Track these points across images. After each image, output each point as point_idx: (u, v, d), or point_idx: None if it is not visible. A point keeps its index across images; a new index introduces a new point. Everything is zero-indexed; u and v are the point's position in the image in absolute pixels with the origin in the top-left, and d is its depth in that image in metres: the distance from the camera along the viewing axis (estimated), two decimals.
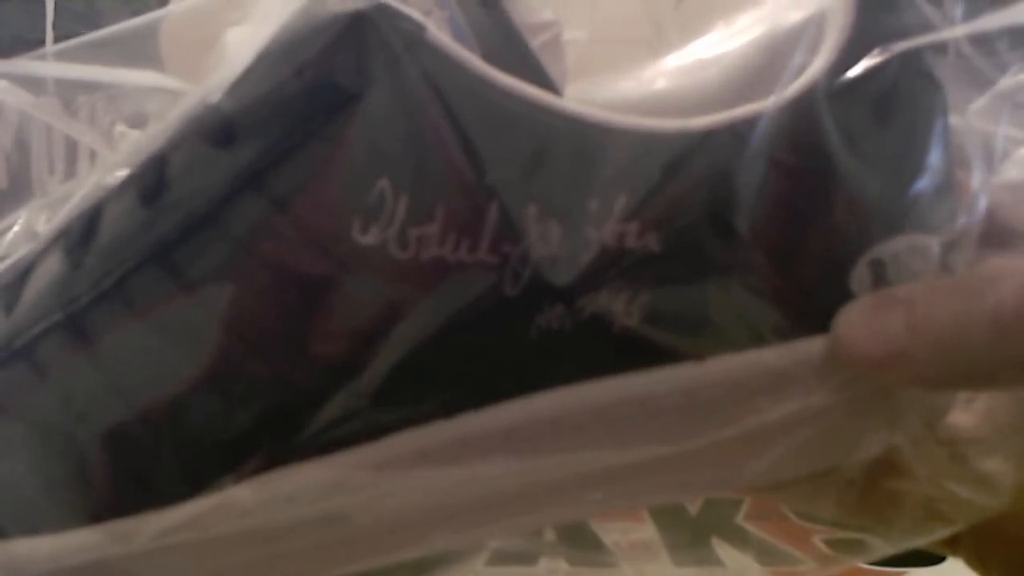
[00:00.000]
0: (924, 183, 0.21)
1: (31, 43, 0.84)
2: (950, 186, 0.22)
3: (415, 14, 0.19)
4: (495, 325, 0.20)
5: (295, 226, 0.19)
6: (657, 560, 0.42)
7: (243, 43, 0.22)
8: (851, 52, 0.21)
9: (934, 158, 0.22)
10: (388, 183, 0.19)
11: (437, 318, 0.20)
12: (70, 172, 0.30)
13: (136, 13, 0.82)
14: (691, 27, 0.59)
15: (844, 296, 0.21)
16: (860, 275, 0.22)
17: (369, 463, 0.20)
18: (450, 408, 0.21)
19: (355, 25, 0.19)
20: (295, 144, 0.19)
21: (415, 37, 0.19)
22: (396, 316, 0.20)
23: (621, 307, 0.21)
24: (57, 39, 0.85)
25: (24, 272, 0.21)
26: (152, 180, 0.20)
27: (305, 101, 0.19)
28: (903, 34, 0.21)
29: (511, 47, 0.21)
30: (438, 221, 0.20)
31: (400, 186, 0.19)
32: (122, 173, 0.21)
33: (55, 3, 0.81)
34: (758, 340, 0.21)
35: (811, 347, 0.22)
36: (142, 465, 0.19)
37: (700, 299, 0.21)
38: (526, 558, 0.43)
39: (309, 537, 0.20)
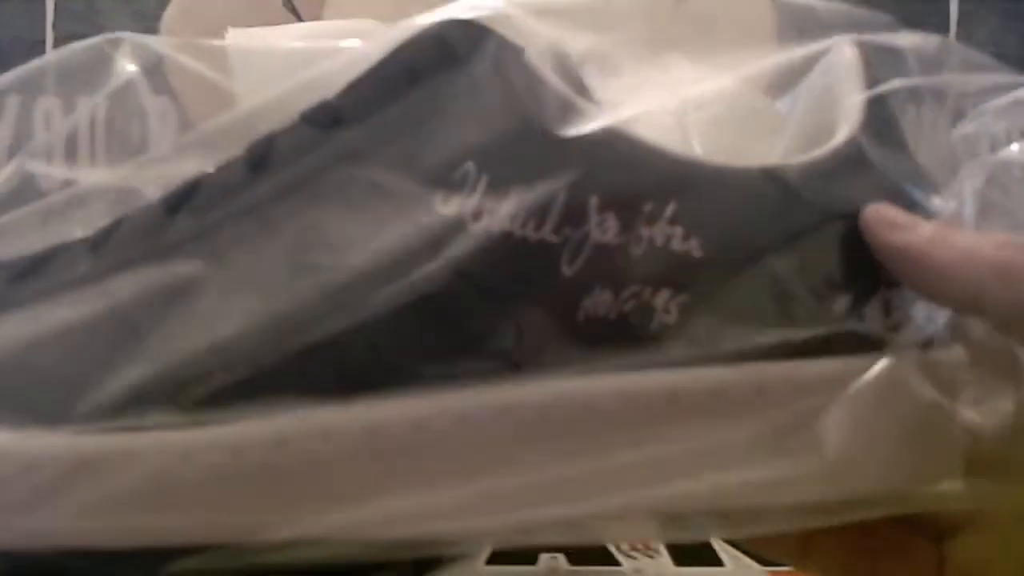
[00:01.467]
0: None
1: (31, 43, 0.84)
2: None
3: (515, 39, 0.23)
4: (549, 300, 0.22)
5: (384, 196, 0.22)
6: (658, 558, 0.42)
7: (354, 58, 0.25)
8: (870, 112, 0.25)
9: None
10: (473, 165, 0.22)
11: (501, 287, 0.22)
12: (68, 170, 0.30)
13: (136, 14, 0.82)
14: (690, 26, 0.59)
15: (859, 323, 0.24)
16: (874, 309, 0.24)
17: (407, 420, 0.22)
18: (491, 377, 0.22)
19: (466, 31, 0.23)
20: (393, 131, 0.23)
21: (517, 52, 0.23)
22: (464, 282, 0.22)
23: (662, 303, 0.22)
24: (57, 39, 0.85)
25: (117, 222, 0.24)
26: (261, 153, 0.24)
27: (406, 96, 0.23)
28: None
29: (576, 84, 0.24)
30: (511, 200, 0.22)
31: (483, 168, 0.22)
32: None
33: (55, 3, 0.81)
34: (783, 353, 0.23)
35: (833, 366, 0.24)
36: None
37: (733, 307, 0.23)
38: (526, 556, 0.43)
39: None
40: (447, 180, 0.22)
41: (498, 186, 0.22)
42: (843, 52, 0.27)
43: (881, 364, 0.24)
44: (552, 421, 0.22)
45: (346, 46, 0.28)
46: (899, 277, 0.24)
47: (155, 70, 0.30)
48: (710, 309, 0.23)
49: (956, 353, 0.26)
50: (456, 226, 0.22)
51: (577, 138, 0.23)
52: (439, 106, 0.23)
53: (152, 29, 0.72)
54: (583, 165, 0.23)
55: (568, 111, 0.23)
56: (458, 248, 0.22)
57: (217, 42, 0.30)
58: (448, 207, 0.22)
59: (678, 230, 0.23)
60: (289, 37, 0.46)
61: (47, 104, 0.87)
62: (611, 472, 0.23)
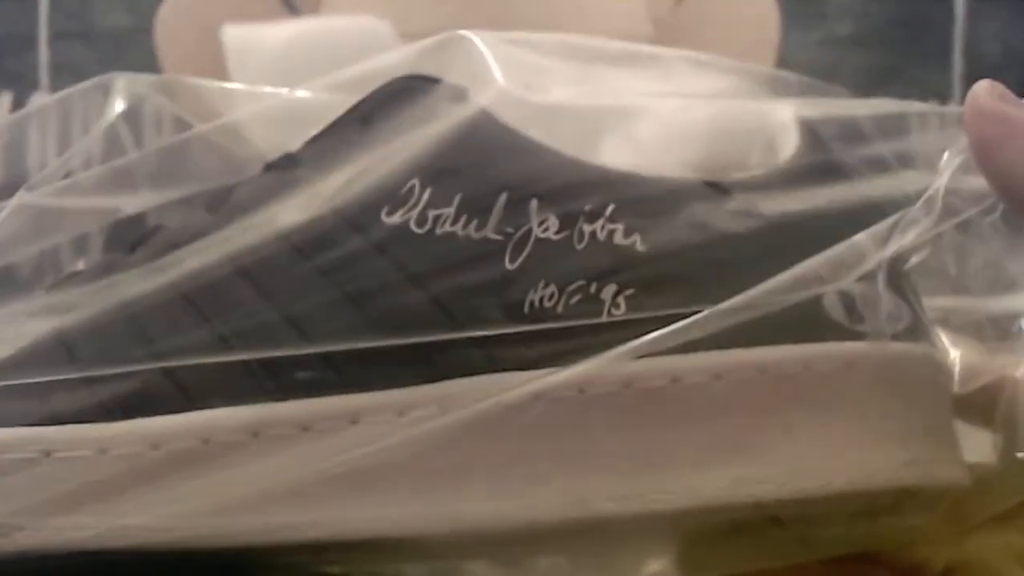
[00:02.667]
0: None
1: (24, 39, 0.83)
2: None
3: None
4: (494, 296, 0.23)
5: (333, 214, 0.24)
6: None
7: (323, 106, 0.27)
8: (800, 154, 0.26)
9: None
10: (418, 181, 0.24)
11: (446, 285, 0.23)
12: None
13: (131, 10, 0.82)
14: (690, 26, 0.59)
15: (817, 315, 0.24)
16: (832, 301, 0.24)
17: (346, 415, 0.23)
18: (437, 376, 0.23)
19: (416, 82, 0.26)
20: (343, 163, 0.25)
21: (461, 92, 0.25)
22: (409, 282, 0.23)
23: (609, 297, 0.23)
24: (51, 36, 0.84)
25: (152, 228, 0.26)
26: (221, 199, 0.26)
27: (357, 137, 0.25)
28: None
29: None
30: (454, 206, 0.23)
31: (427, 183, 0.24)
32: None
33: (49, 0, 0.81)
34: (733, 341, 0.23)
35: (796, 351, 0.24)
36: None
37: (684, 299, 0.23)
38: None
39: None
40: (392, 197, 0.24)
41: (441, 196, 0.24)
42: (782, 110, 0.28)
43: (849, 350, 0.24)
44: (503, 415, 0.23)
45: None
46: (979, 151, 0.22)
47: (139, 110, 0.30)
48: (660, 302, 0.23)
49: (922, 349, 0.26)
50: (400, 231, 0.23)
51: (517, 156, 0.24)
52: (385, 140, 0.25)
53: (147, 25, 0.71)
54: (522, 178, 0.24)
55: (510, 137, 0.24)
56: (402, 250, 0.23)
57: (208, 84, 0.31)
58: (393, 218, 0.23)
59: (619, 225, 0.23)
60: (285, 33, 0.46)
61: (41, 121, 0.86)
62: (561, 468, 0.23)
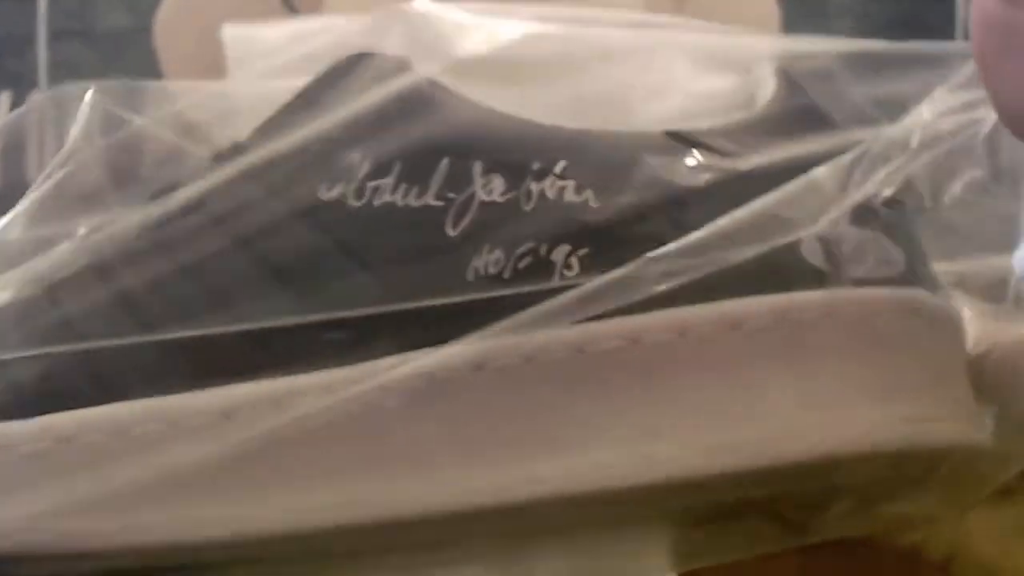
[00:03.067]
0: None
1: (23, 39, 0.83)
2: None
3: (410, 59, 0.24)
4: (436, 265, 0.22)
5: (271, 194, 0.23)
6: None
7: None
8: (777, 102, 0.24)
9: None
10: (358, 154, 0.23)
11: (384, 257, 0.22)
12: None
13: (130, 10, 0.81)
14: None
15: (794, 261, 0.22)
16: (811, 246, 0.22)
17: (265, 401, 0.22)
18: (378, 350, 0.22)
19: (356, 59, 0.24)
20: (286, 138, 0.23)
21: (403, 63, 0.24)
22: (347, 258, 0.22)
23: (561, 258, 0.22)
24: (50, 35, 0.84)
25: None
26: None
27: (299, 118, 0.24)
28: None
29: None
30: (393, 175, 0.22)
31: (367, 154, 0.23)
32: None
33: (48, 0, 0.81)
34: (699, 296, 0.22)
35: (769, 301, 0.22)
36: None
37: (642, 254, 0.22)
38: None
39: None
40: (331, 172, 0.23)
41: (381, 167, 0.22)
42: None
43: (829, 297, 0.23)
44: (445, 386, 0.22)
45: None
46: (983, 63, 0.21)
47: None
48: (617, 259, 0.22)
49: (917, 294, 0.24)
50: (337, 206, 0.22)
51: (461, 122, 0.23)
52: (328, 119, 0.24)
53: (147, 25, 0.71)
54: (465, 140, 0.23)
55: (453, 101, 0.23)
56: (339, 226, 0.22)
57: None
58: (331, 193, 0.22)
59: (570, 182, 0.22)
60: (286, 33, 0.45)
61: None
62: (507, 445, 0.22)
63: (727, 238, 0.22)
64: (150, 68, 0.72)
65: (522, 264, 0.21)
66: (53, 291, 0.23)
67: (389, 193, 0.22)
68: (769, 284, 0.22)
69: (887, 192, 0.23)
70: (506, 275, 0.21)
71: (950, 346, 0.24)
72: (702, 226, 0.22)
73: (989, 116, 0.23)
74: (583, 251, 0.21)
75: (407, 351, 0.21)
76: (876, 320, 0.22)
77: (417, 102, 0.23)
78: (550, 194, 0.22)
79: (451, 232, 0.22)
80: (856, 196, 0.22)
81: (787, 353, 0.22)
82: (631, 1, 0.59)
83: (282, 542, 0.22)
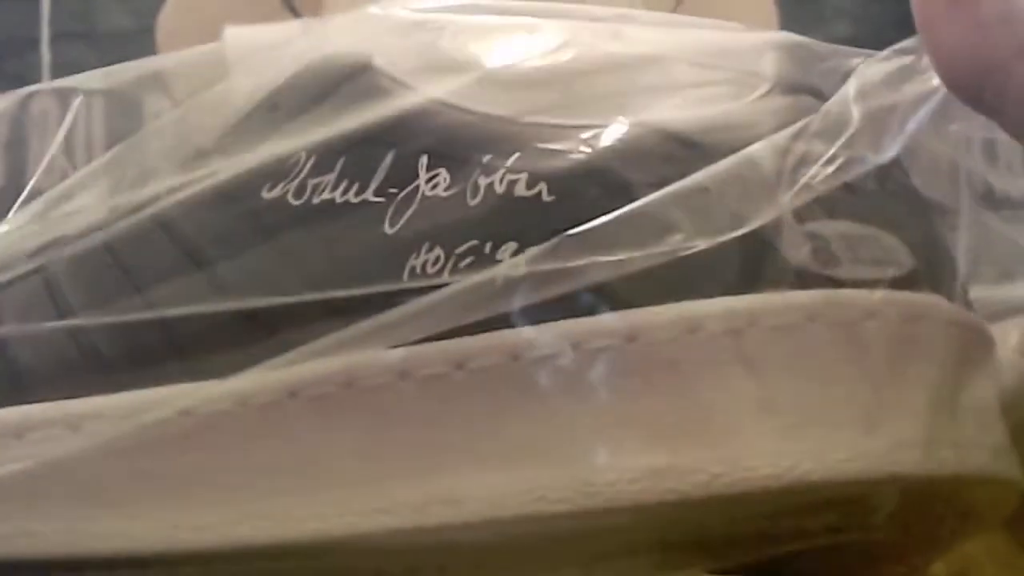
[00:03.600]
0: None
1: (26, 40, 0.83)
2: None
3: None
4: (368, 264, 0.20)
5: (216, 191, 0.22)
6: None
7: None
8: (780, 86, 0.22)
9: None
10: (304, 154, 0.21)
11: (318, 256, 0.21)
12: (64, 172, 0.29)
13: (132, 11, 0.81)
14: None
15: (771, 257, 0.20)
16: (793, 240, 0.20)
17: (176, 408, 0.21)
18: (299, 352, 0.20)
19: (322, 63, 0.24)
20: (241, 147, 0.23)
21: (363, 62, 0.23)
22: (279, 256, 0.21)
23: (507, 257, 0.20)
24: (52, 36, 0.84)
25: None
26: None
27: (262, 123, 0.23)
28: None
29: None
30: (336, 171, 0.21)
31: (311, 153, 0.22)
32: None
33: (50, 0, 0.81)
34: (657, 298, 0.19)
35: (734, 304, 0.20)
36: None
37: (596, 249, 0.20)
38: None
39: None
40: (276, 172, 0.22)
41: (323, 163, 0.21)
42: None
43: (810, 299, 0.20)
44: (360, 395, 0.20)
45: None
46: (924, 21, 0.20)
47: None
48: (567, 257, 0.20)
49: (923, 299, 0.21)
50: (277, 204, 0.21)
51: (411, 113, 0.22)
52: (284, 123, 0.23)
53: (148, 26, 0.71)
54: (411, 131, 0.21)
55: (405, 93, 0.22)
56: (276, 224, 0.21)
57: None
58: (272, 192, 0.21)
59: (522, 176, 0.20)
60: (287, 35, 0.46)
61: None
62: (428, 457, 0.20)
63: (662, 223, 0.19)
64: None
65: (463, 263, 0.20)
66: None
67: (329, 190, 0.21)
68: (739, 283, 0.20)
69: (835, 172, 0.21)
70: (445, 275, 0.20)
71: (971, 362, 0.21)
72: (681, 207, 0.19)
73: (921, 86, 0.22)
74: (532, 250, 0.19)
75: (327, 355, 0.20)
76: (866, 326, 0.20)
77: (366, 95, 0.22)
78: (499, 188, 0.20)
79: (388, 229, 0.20)
80: (802, 179, 0.20)
81: (754, 362, 0.19)
82: (631, 1, 0.59)
83: (176, 559, 0.20)
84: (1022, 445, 0.22)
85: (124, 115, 0.31)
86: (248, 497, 0.20)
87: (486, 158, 0.20)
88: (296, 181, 0.21)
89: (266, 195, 0.21)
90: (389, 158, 0.21)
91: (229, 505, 0.20)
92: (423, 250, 0.20)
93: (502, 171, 0.20)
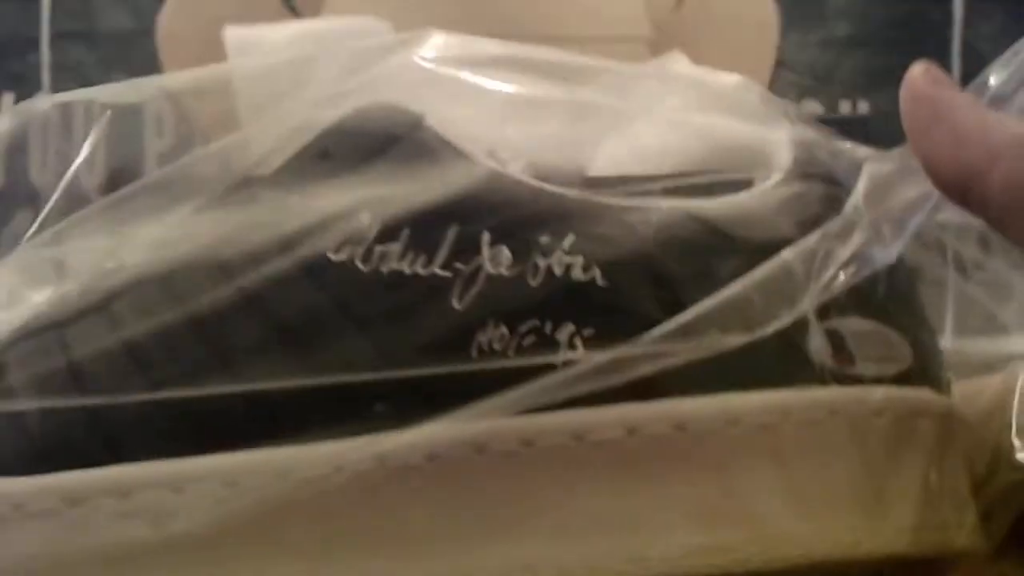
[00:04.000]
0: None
1: (26, 40, 0.83)
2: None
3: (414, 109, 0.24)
4: (440, 337, 0.22)
5: (281, 244, 0.23)
6: None
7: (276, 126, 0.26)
8: (795, 172, 0.25)
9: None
10: (368, 215, 0.22)
11: (388, 327, 0.22)
12: (64, 173, 0.29)
13: (132, 11, 0.82)
14: (690, 28, 0.59)
15: (797, 355, 0.22)
16: (817, 342, 0.22)
17: (271, 470, 0.21)
18: (375, 423, 0.22)
19: (370, 112, 0.25)
20: (300, 195, 0.24)
21: (416, 119, 0.24)
22: (350, 323, 0.22)
23: (565, 338, 0.21)
24: (52, 36, 0.84)
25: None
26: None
27: (314, 169, 0.24)
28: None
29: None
30: (402, 241, 0.22)
31: (377, 217, 0.23)
32: None
33: (51, 0, 0.81)
34: (701, 387, 0.22)
35: (767, 398, 0.22)
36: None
37: (645, 340, 0.22)
38: None
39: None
40: (340, 232, 0.23)
41: (390, 230, 0.23)
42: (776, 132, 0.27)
43: (834, 396, 0.22)
44: (442, 467, 0.21)
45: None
46: (912, 133, 0.23)
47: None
48: (620, 343, 0.22)
49: (923, 395, 0.24)
50: (346, 269, 0.22)
51: (471, 185, 0.23)
52: (339, 173, 0.24)
53: (149, 27, 0.71)
54: (474, 207, 0.23)
55: (464, 162, 0.23)
56: (347, 290, 0.22)
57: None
58: (340, 254, 0.22)
59: (578, 259, 0.22)
60: (287, 34, 0.46)
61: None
62: (505, 527, 0.21)
63: (713, 322, 0.22)
64: (152, 69, 0.72)
65: (526, 342, 0.22)
66: (62, 332, 0.23)
67: (396, 260, 0.22)
68: (771, 377, 0.22)
69: (852, 272, 0.23)
70: (510, 352, 0.21)
71: (952, 449, 0.24)
72: (711, 306, 0.22)
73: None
74: (588, 331, 0.22)
75: (408, 424, 0.21)
76: (879, 421, 0.22)
77: (422, 157, 0.23)
78: (557, 270, 0.22)
79: (456, 304, 0.22)
80: (824, 280, 0.22)
81: (785, 453, 0.22)
82: (631, 1, 0.59)
83: None
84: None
85: (126, 130, 0.31)
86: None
87: (543, 238, 0.22)
88: (363, 246, 0.22)
89: (334, 256, 0.22)
90: (453, 233, 0.22)
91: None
92: (489, 326, 0.22)
93: (559, 252, 0.22)
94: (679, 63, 0.50)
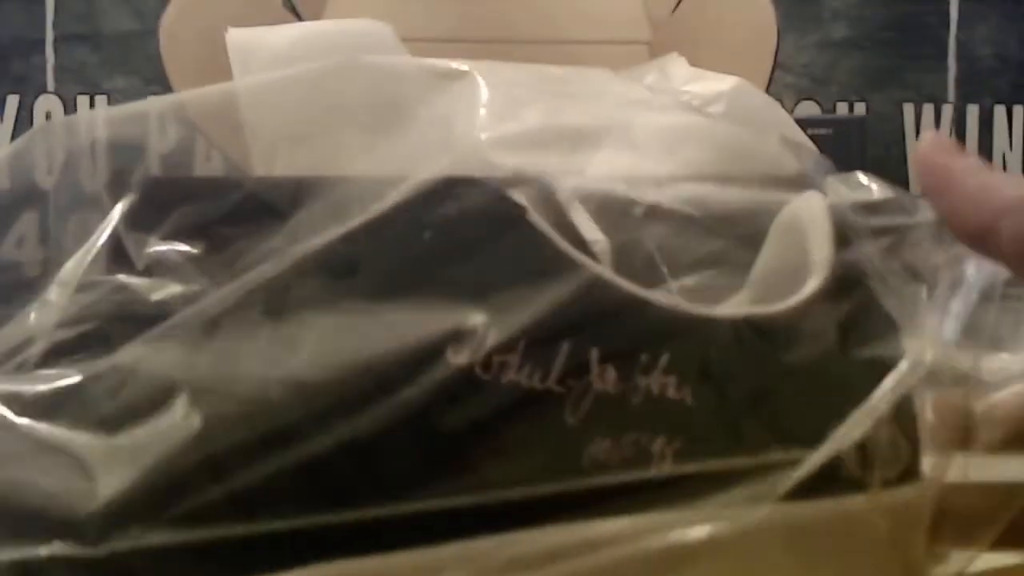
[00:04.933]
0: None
1: (30, 42, 0.84)
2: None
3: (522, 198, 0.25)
4: (556, 450, 0.23)
5: (395, 332, 0.24)
6: None
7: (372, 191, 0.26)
8: (833, 282, 0.26)
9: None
10: (484, 317, 0.23)
11: (508, 437, 0.23)
12: (66, 174, 0.30)
13: (135, 13, 0.82)
14: (688, 30, 0.60)
15: (834, 465, 0.25)
16: (850, 454, 0.24)
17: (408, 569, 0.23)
18: (500, 525, 0.23)
19: (474, 188, 0.25)
20: (410, 281, 0.24)
21: (519, 210, 0.25)
22: (474, 431, 0.23)
23: (658, 449, 0.23)
24: (57, 38, 0.85)
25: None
26: (276, 300, 0.25)
27: (425, 250, 0.25)
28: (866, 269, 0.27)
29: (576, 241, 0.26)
30: (519, 352, 0.23)
31: (494, 322, 0.23)
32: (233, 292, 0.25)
33: (55, 2, 0.81)
34: (775, 498, 0.24)
35: (824, 507, 0.24)
36: None
37: (723, 452, 0.24)
38: None
39: None
40: (458, 331, 0.24)
41: (507, 339, 0.24)
42: (812, 202, 0.28)
43: (855, 504, 0.25)
44: (558, 569, 0.23)
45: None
46: (928, 198, 0.25)
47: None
48: (703, 455, 0.24)
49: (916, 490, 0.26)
50: (466, 376, 0.23)
51: (578, 295, 0.25)
52: (449, 257, 0.25)
53: (152, 29, 0.71)
54: (585, 320, 0.24)
55: (568, 267, 0.25)
56: (467, 397, 0.23)
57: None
58: (459, 357, 0.23)
59: (672, 379, 0.24)
60: (289, 36, 0.46)
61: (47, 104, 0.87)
62: None
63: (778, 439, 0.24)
64: (154, 72, 0.72)
65: (627, 453, 0.23)
66: (212, 460, 0.23)
67: (515, 371, 0.23)
68: (817, 488, 0.24)
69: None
70: (612, 464, 0.23)
71: (919, 539, 0.26)
72: (785, 418, 0.24)
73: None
74: (676, 444, 0.24)
75: (525, 528, 0.23)
76: (884, 524, 0.25)
77: (532, 261, 0.25)
78: (655, 389, 0.24)
79: (570, 419, 0.23)
80: (882, 407, 0.24)
81: (822, 560, 0.24)
82: (630, 2, 0.60)
83: None
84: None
85: (129, 131, 0.31)
86: None
87: (644, 356, 0.24)
88: (482, 353, 0.23)
89: (452, 359, 0.23)
90: (566, 348, 0.23)
91: None
92: (597, 440, 0.23)
93: (657, 373, 0.24)
94: (677, 65, 0.51)
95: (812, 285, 0.26)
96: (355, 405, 0.23)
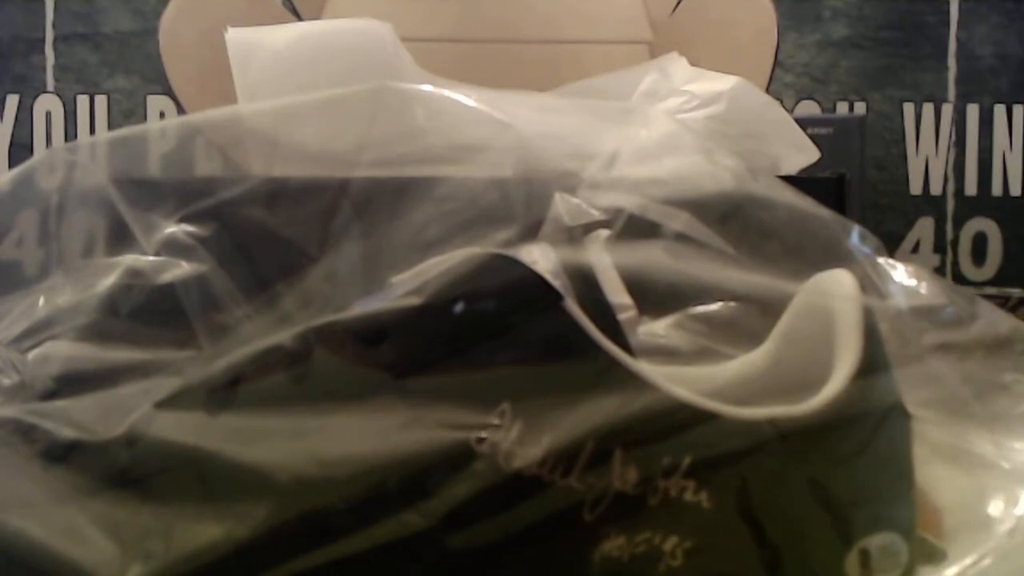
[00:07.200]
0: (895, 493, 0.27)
1: (30, 41, 0.84)
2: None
3: (558, 285, 0.25)
4: (569, 544, 0.24)
5: (418, 412, 0.24)
6: None
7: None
8: (858, 381, 0.26)
9: (905, 482, 0.27)
10: (510, 406, 0.24)
11: (525, 527, 0.24)
12: (68, 175, 0.30)
13: (135, 13, 0.82)
14: (689, 30, 0.59)
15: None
16: (852, 560, 0.25)
17: None
18: None
19: (508, 270, 0.25)
20: (436, 357, 0.25)
21: (556, 298, 0.25)
22: (491, 516, 0.24)
23: (670, 548, 0.24)
24: (57, 38, 0.85)
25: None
26: (299, 360, 0.25)
27: (453, 327, 0.25)
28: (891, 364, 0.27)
29: (607, 320, 0.26)
30: (542, 446, 0.24)
31: (519, 412, 0.24)
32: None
33: (54, 2, 0.81)
34: None
35: None
36: None
37: (734, 556, 0.25)
38: None
39: None
40: (484, 419, 0.24)
41: (532, 431, 0.24)
42: (841, 279, 0.28)
43: None
44: None
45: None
46: None
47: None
48: (713, 556, 0.25)
49: None
50: (489, 463, 0.24)
51: (608, 390, 0.25)
52: (479, 343, 0.25)
53: (152, 29, 0.72)
54: (612, 417, 0.25)
55: (600, 361, 0.25)
56: (491, 485, 0.24)
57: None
58: (483, 447, 0.24)
59: (691, 483, 0.24)
60: (288, 35, 0.46)
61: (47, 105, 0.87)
62: None
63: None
64: (154, 71, 0.72)
65: (639, 550, 0.24)
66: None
67: (537, 466, 0.23)
68: None
69: None
70: (624, 559, 0.24)
71: None
72: (799, 528, 0.25)
73: None
74: (688, 544, 0.24)
75: None
76: None
77: (564, 352, 0.25)
78: (673, 492, 0.24)
79: (588, 517, 0.24)
80: None
81: None
82: (630, 2, 0.60)
83: None
84: None
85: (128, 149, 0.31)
86: None
87: (666, 460, 0.24)
88: (505, 445, 0.24)
89: (476, 447, 0.23)
90: (589, 447, 0.24)
91: None
92: (611, 535, 0.24)
93: (677, 477, 0.24)
94: (678, 65, 0.51)
95: (831, 389, 0.26)
96: (376, 496, 0.24)
